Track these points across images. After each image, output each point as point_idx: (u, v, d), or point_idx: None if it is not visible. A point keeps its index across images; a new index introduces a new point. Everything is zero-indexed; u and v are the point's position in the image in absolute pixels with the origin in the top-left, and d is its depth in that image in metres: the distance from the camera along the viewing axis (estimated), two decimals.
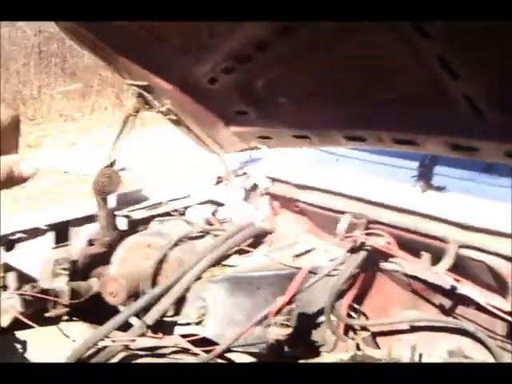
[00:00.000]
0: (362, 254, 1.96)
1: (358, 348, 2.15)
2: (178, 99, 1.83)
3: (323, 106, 1.58)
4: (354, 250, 1.99)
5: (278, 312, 1.83)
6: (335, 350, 2.18)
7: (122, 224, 2.25)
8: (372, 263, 2.12)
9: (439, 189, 1.84)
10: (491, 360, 1.85)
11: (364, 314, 2.22)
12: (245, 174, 2.42)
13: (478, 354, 1.89)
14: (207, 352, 1.80)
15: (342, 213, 1.97)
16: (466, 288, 1.73)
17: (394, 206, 1.83)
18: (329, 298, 2.01)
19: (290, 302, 1.86)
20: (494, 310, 1.56)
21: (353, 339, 2.14)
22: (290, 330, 1.85)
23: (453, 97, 1.22)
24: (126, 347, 1.80)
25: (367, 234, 1.90)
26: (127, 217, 2.26)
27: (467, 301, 1.72)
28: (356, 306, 2.16)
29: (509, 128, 1.16)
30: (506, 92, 1.13)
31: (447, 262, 1.67)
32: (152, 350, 1.89)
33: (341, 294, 2.15)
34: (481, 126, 1.22)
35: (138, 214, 2.30)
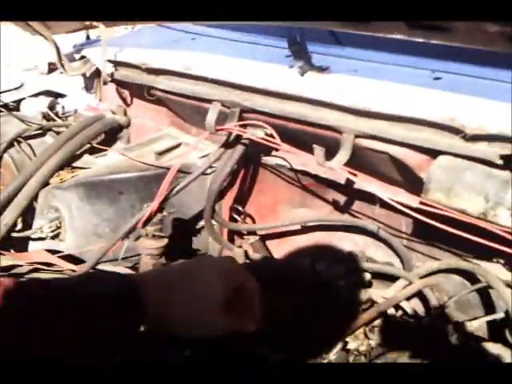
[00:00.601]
0: (240, 149, 1.57)
1: (246, 256, 1.82)
2: None
3: None
4: (229, 145, 1.59)
5: (148, 221, 1.56)
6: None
7: None
8: (253, 159, 1.75)
9: (322, 69, 1.43)
10: (396, 262, 1.59)
11: (250, 217, 1.87)
12: (83, 58, 1.90)
13: (381, 255, 1.63)
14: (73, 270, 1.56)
15: (209, 101, 1.53)
16: (365, 182, 1.39)
17: (270, 90, 1.41)
18: (207, 201, 1.66)
19: (160, 209, 1.57)
20: (399, 206, 1.23)
21: (240, 246, 1.80)
22: (164, 241, 1.58)
23: None
24: None
25: (242, 126, 1.49)
26: None
27: (367, 197, 1.39)
28: (239, 207, 1.80)
29: None
30: None
31: (343, 155, 1.32)
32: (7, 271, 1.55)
33: (221, 195, 1.79)
34: None
35: None
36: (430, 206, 1.20)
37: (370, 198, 1.41)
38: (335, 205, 1.71)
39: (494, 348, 1.35)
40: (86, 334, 0.70)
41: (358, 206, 1.66)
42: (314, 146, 1.27)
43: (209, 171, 1.67)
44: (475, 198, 1.12)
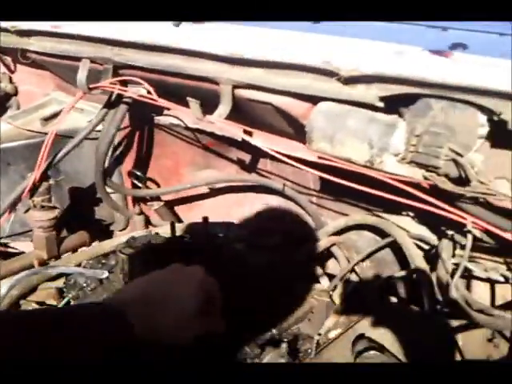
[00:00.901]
0: (122, 108, 1.43)
1: (147, 222, 1.70)
2: None
3: None
4: (111, 105, 1.43)
5: (34, 192, 1.44)
6: (130, 228, 1.72)
7: None
8: (148, 119, 1.60)
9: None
10: (308, 220, 1.48)
11: (153, 181, 1.74)
12: None
13: (289, 213, 1.52)
14: None
15: (79, 59, 1.37)
16: (260, 139, 1.25)
17: (142, 43, 1.27)
18: (96, 166, 1.52)
19: (45, 178, 1.46)
20: (304, 167, 1.11)
21: (140, 213, 1.68)
22: (55, 213, 1.47)
23: None
24: None
25: (122, 84, 1.34)
26: None
27: (267, 154, 1.26)
28: (138, 173, 1.66)
29: None
30: None
31: (223, 108, 1.19)
32: None
33: (118, 161, 1.65)
34: None
35: None
36: (319, 158, 1.08)
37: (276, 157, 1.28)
38: (240, 164, 1.58)
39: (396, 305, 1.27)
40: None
41: (264, 164, 1.53)
42: (188, 98, 1.14)
43: (95, 135, 1.52)
44: (359, 145, 1.00)
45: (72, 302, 1.25)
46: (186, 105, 1.22)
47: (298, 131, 1.18)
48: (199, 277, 0.92)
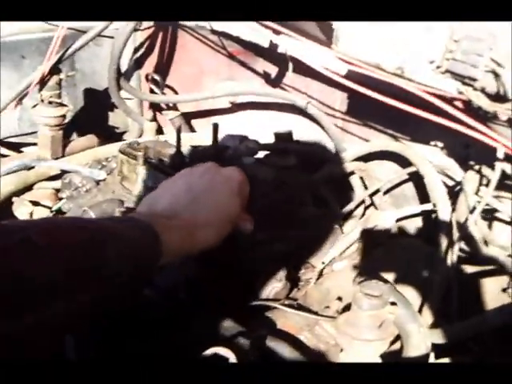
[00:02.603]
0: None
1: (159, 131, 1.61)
2: None
3: None
4: None
5: (43, 85, 1.36)
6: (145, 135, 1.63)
7: None
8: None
9: None
10: (329, 143, 1.37)
11: (172, 89, 1.64)
12: None
13: (310, 134, 1.40)
14: None
15: None
16: (289, 43, 1.13)
17: None
18: (110, 64, 1.44)
19: (55, 71, 1.37)
20: (329, 74, 0.99)
21: (152, 120, 1.58)
22: (63, 110, 1.38)
23: None
24: None
25: None
26: None
27: (301, 69, 1.14)
28: (158, 77, 1.55)
29: None
30: None
31: None
32: None
33: (136, 64, 1.55)
34: None
35: None
36: (343, 61, 0.95)
37: (305, 70, 1.16)
38: (266, 77, 1.46)
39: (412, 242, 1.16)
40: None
41: (291, 80, 1.41)
42: None
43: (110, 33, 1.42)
44: (390, 48, 0.87)
45: (66, 202, 1.19)
46: None
47: (326, 32, 1.05)
48: (239, 178, 0.88)
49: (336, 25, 0.92)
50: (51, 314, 0.58)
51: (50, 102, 1.37)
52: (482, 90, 0.81)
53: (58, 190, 1.29)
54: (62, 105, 1.40)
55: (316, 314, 0.93)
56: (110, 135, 1.62)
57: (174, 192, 0.85)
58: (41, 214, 1.24)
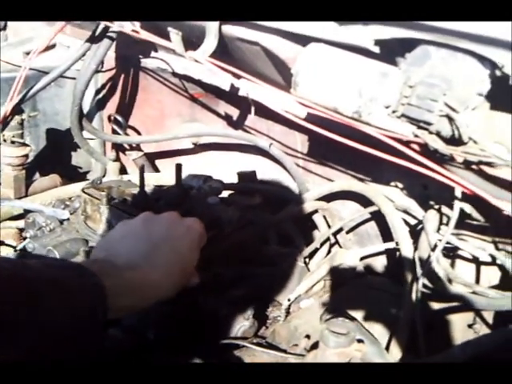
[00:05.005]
0: (106, 44, 1.33)
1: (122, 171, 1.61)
2: None
3: None
4: (94, 40, 1.34)
5: (5, 125, 1.38)
6: (108, 175, 1.62)
7: None
8: (129, 61, 1.51)
9: None
10: (292, 183, 1.39)
11: (134, 130, 1.65)
12: None
13: (273, 175, 1.43)
14: None
15: None
16: (249, 87, 1.15)
17: None
18: (72, 104, 1.43)
19: (18, 111, 1.39)
20: (291, 117, 1.01)
21: (115, 160, 1.58)
22: (26, 150, 1.39)
23: None
24: None
25: None
26: None
27: (262, 111, 1.17)
28: (120, 118, 1.56)
29: None
30: None
31: (209, 44, 1.08)
32: None
33: (98, 105, 1.56)
34: None
35: None
36: (302, 105, 0.98)
37: (266, 113, 1.18)
38: (228, 119, 1.49)
39: (377, 280, 1.19)
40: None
41: (252, 121, 1.44)
42: (170, 29, 1.04)
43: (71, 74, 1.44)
44: (347, 94, 0.90)
45: (30, 242, 1.17)
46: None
47: (286, 77, 1.08)
48: (199, 230, 0.89)
49: (295, 70, 0.95)
50: None
51: (13, 142, 1.38)
52: (438, 134, 0.85)
53: (21, 230, 1.27)
54: (24, 144, 1.40)
55: (284, 351, 0.94)
56: (73, 175, 1.62)
57: (134, 239, 0.83)
58: (5, 253, 1.22)
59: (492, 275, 1.06)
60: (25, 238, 1.23)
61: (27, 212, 1.25)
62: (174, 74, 1.42)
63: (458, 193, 0.88)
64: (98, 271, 0.71)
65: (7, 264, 0.65)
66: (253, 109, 1.14)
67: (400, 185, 1.20)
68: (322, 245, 1.29)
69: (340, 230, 1.29)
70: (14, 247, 1.26)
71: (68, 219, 1.19)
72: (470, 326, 1.07)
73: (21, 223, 1.28)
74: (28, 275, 0.64)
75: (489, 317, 1.04)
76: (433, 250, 0.98)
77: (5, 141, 1.37)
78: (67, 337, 0.65)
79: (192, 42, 1.11)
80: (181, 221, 0.89)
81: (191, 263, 0.85)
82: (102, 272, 0.71)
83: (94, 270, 0.70)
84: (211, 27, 1.07)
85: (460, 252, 1.06)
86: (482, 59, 0.80)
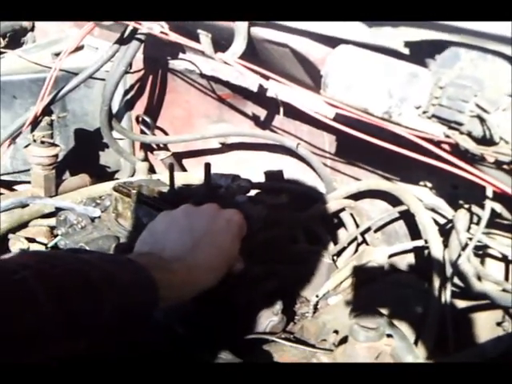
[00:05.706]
0: (134, 46, 1.35)
1: (151, 171, 1.63)
2: None
3: None
4: (123, 42, 1.37)
5: (35, 126, 1.39)
6: (137, 174, 1.65)
7: None
8: (158, 62, 1.53)
9: None
10: (319, 183, 1.40)
11: (162, 130, 1.67)
12: None
13: (301, 174, 1.44)
14: None
15: None
16: (278, 88, 1.17)
17: None
18: (101, 105, 1.45)
19: (47, 112, 1.40)
20: (320, 117, 1.02)
21: (144, 160, 1.61)
22: (55, 150, 1.41)
23: None
24: None
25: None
26: None
27: (290, 111, 1.18)
28: (148, 119, 1.59)
29: None
30: None
31: (238, 46, 1.10)
32: None
33: (127, 105, 1.58)
34: None
35: None
36: (332, 106, 0.99)
37: (294, 113, 1.20)
38: (255, 120, 1.50)
39: (405, 277, 1.19)
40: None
41: (280, 122, 1.45)
42: (199, 31, 1.05)
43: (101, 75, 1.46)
44: (378, 95, 0.91)
45: (62, 239, 1.20)
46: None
47: (314, 79, 1.10)
48: (239, 222, 0.90)
49: (324, 71, 0.96)
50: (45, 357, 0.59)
51: (43, 142, 1.40)
52: (469, 134, 0.85)
53: (52, 228, 1.30)
54: (54, 145, 1.43)
55: (313, 346, 0.95)
56: (102, 174, 1.64)
57: (177, 232, 0.86)
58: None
59: None
60: (56, 236, 1.26)
61: (58, 210, 1.28)
62: (202, 76, 1.44)
63: (489, 192, 0.89)
64: (146, 264, 0.73)
65: (67, 258, 0.68)
66: (281, 109, 1.15)
67: (429, 184, 1.20)
68: (349, 243, 1.30)
69: (368, 228, 1.30)
70: (45, 244, 1.29)
71: (99, 217, 1.21)
72: (498, 324, 1.07)
73: (52, 221, 1.31)
74: (86, 269, 0.66)
75: None
76: (463, 248, 0.99)
77: (35, 141, 1.40)
78: (121, 329, 0.68)
79: (221, 43, 1.13)
80: (221, 213, 0.91)
81: (232, 255, 0.87)
82: (151, 265, 0.73)
83: (142, 264, 0.73)
84: (240, 29, 1.08)
85: (489, 250, 1.06)
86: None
